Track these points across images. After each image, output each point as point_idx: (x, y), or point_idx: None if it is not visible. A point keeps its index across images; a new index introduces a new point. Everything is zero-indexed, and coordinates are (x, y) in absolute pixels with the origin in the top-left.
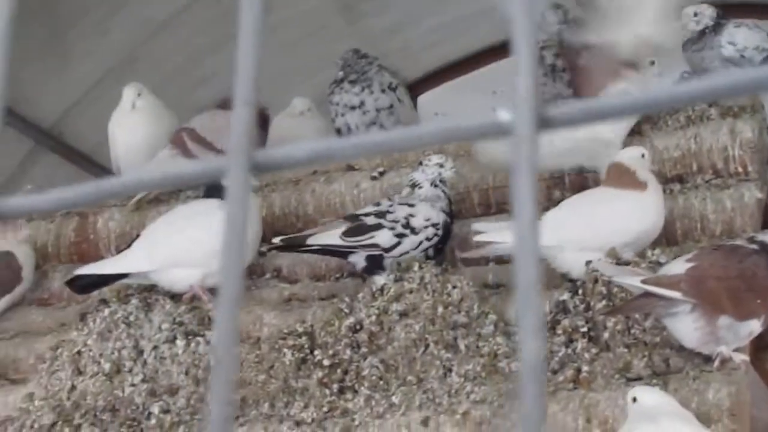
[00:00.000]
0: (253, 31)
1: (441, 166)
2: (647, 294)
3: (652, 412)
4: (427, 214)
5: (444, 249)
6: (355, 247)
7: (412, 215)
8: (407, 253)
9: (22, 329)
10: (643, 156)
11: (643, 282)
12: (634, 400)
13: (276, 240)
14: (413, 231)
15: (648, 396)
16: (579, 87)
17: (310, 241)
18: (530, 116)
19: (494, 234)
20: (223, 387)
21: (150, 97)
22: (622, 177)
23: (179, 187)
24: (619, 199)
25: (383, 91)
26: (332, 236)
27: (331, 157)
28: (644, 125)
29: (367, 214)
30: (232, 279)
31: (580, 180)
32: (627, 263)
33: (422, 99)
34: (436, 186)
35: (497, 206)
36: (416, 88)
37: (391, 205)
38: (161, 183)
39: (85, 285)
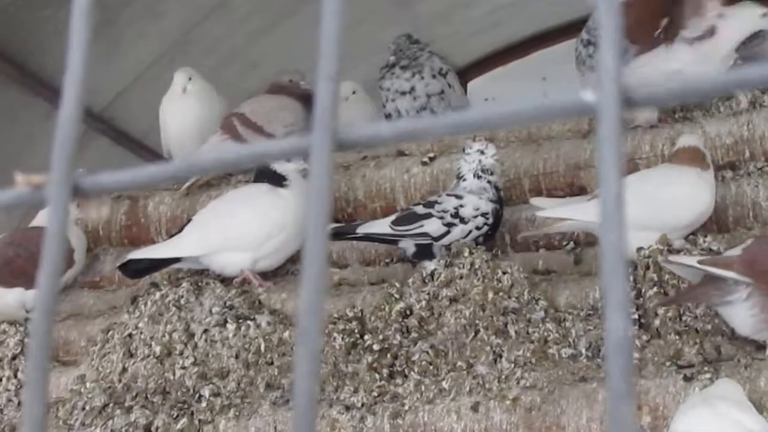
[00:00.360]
0: (336, 8)
1: (482, 152)
2: (703, 284)
3: (707, 395)
4: (476, 204)
5: (494, 235)
6: (404, 236)
7: (461, 206)
8: (457, 241)
9: (73, 312)
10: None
11: (700, 262)
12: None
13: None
14: (462, 220)
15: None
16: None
17: (360, 230)
18: (615, 96)
19: (558, 210)
20: (309, 360)
21: (200, 81)
22: (692, 158)
23: (264, 164)
24: (679, 175)
25: (434, 76)
26: (382, 225)
27: (416, 135)
28: (696, 112)
29: (416, 204)
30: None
31: (632, 166)
32: (679, 251)
33: (472, 85)
34: (479, 177)
35: (547, 192)
36: (466, 73)
37: (439, 196)
38: (249, 160)
39: (136, 269)
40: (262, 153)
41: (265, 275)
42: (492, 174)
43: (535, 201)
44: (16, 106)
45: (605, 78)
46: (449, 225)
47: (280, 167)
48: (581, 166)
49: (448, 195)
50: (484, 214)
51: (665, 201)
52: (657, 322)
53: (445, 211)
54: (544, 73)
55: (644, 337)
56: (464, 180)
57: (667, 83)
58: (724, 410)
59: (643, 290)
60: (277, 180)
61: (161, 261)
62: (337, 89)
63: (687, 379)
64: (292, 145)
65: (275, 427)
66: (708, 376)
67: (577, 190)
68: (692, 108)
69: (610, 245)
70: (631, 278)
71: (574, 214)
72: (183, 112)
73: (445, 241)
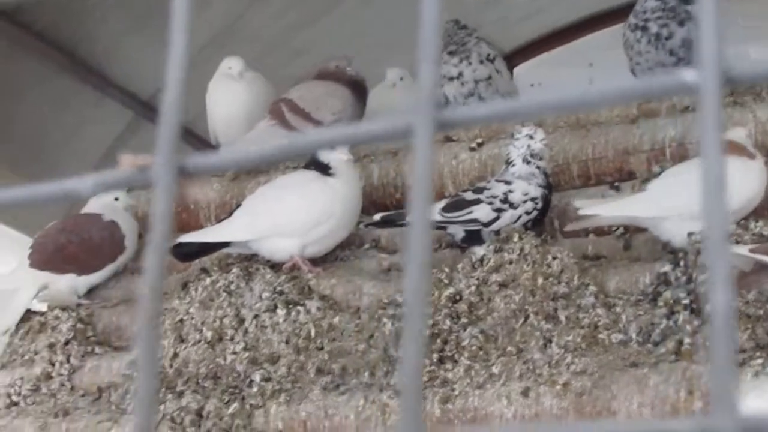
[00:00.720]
0: None
1: (530, 137)
2: (755, 270)
3: None
4: (525, 190)
5: (543, 221)
6: (453, 222)
7: (510, 191)
8: (506, 226)
9: (124, 297)
10: (747, 133)
11: (751, 251)
12: None
13: (375, 217)
14: (512, 206)
15: None
16: None
17: (409, 218)
18: (716, 74)
19: (597, 208)
20: (415, 340)
21: (247, 68)
22: (732, 149)
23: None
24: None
25: (482, 62)
26: (432, 211)
27: (513, 116)
28: (746, 96)
29: (465, 190)
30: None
31: (682, 151)
32: (730, 234)
33: (518, 70)
34: (528, 162)
35: (596, 178)
36: (512, 59)
37: (488, 182)
38: (349, 140)
39: (187, 253)
40: (366, 134)
41: (314, 261)
42: (541, 159)
43: (578, 203)
44: (66, 94)
45: (706, 56)
46: (499, 210)
47: (325, 156)
48: (630, 152)
49: (497, 181)
50: (533, 199)
51: None
52: (708, 307)
53: (494, 197)
54: (591, 58)
55: (695, 322)
56: (513, 165)
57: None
58: None
59: (694, 275)
60: (324, 168)
61: (211, 245)
62: (438, 72)
63: (739, 364)
64: (395, 126)
65: (326, 412)
66: (760, 361)
67: (626, 175)
68: (744, 93)
69: (713, 223)
70: (682, 263)
71: (620, 211)
72: (232, 98)
73: (495, 226)
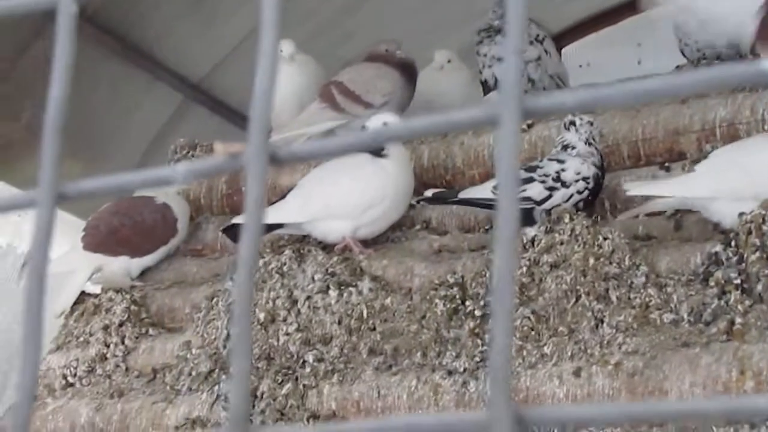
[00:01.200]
0: None
1: (591, 124)
2: None
3: None
4: (578, 168)
5: (594, 202)
6: None
7: (563, 170)
8: (558, 205)
9: (177, 279)
10: None
11: None
12: None
13: (427, 193)
14: (564, 184)
15: None
16: None
17: (461, 195)
18: None
19: (645, 188)
20: (504, 318)
21: (298, 51)
22: None
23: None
24: None
25: (531, 42)
26: (483, 190)
27: (598, 103)
28: None
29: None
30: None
31: (732, 131)
32: None
33: (566, 51)
34: (590, 144)
35: (646, 158)
36: (560, 39)
37: (541, 161)
38: (437, 129)
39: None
40: (450, 122)
41: (365, 243)
42: (597, 142)
43: (627, 184)
44: (117, 78)
45: None
46: (551, 189)
47: None
48: (680, 132)
49: (549, 159)
50: (585, 179)
51: (760, 170)
52: (760, 287)
53: (546, 175)
54: (639, 39)
55: (747, 302)
56: (573, 148)
57: None
58: None
59: (745, 255)
60: (377, 150)
61: (264, 226)
62: (522, 61)
63: None
64: (481, 114)
65: (378, 392)
66: None
67: (676, 156)
68: None
69: None
70: (733, 243)
71: (669, 191)
72: (283, 81)
73: (547, 205)
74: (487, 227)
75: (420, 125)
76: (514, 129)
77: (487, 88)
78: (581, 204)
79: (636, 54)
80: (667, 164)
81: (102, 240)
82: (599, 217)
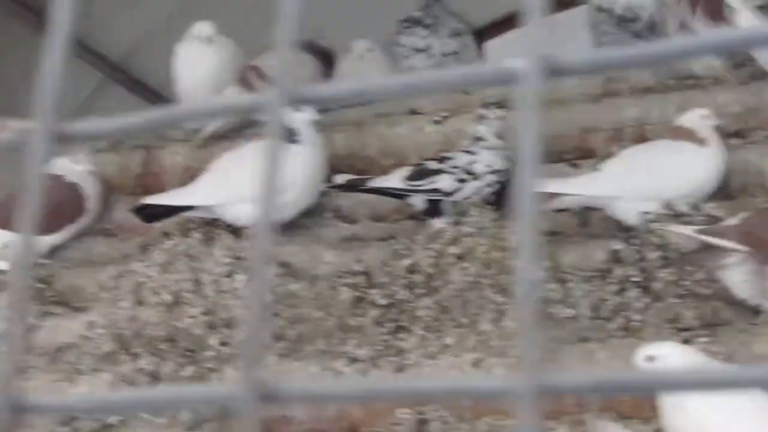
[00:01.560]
0: None
1: (503, 118)
2: (702, 250)
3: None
4: (489, 161)
5: (505, 196)
6: (416, 191)
7: (474, 162)
8: (468, 198)
9: (85, 258)
10: (703, 116)
11: (698, 232)
12: (651, 359)
13: (339, 179)
14: (475, 177)
15: (673, 352)
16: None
17: (372, 183)
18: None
19: (551, 185)
20: (529, 289)
21: (218, 33)
22: (682, 134)
23: None
24: (679, 150)
25: (451, 36)
26: (395, 179)
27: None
28: (706, 80)
29: (429, 159)
30: (527, 196)
31: (641, 131)
32: (682, 215)
33: (489, 45)
34: (501, 138)
35: (557, 155)
36: (483, 34)
37: (453, 152)
38: (453, 83)
39: (151, 215)
40: (471, 77)
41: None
42: (506, 138)
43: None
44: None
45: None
46: (461, 181)
47: (290, 122)
48: (591, 130)
49: (461, 151)
50: (496, 172)
51: (663, 174)
52: (658, 285)
53: (457, 167)
54: (563, 35)
55: (645, 300)
56: (484, 140)
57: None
58: None
59: (645, 253)
60: (290, 135)
61: (175, 208)
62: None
63: (685, 342)
64: (503, 69)
65: (280, 378)
66: (705, 339)
67: (586, 154)
68: (703, 76)
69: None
70: (634, 241)
71: (573, 189)
72: (200, 62)
73: (458, 196)
74: (397, 217)
75: (435, 78)
76: (537, 87)
77: None
78: (492, 197)
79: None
80: (575, 162)
81: (8, 217)
82: (506, 212)
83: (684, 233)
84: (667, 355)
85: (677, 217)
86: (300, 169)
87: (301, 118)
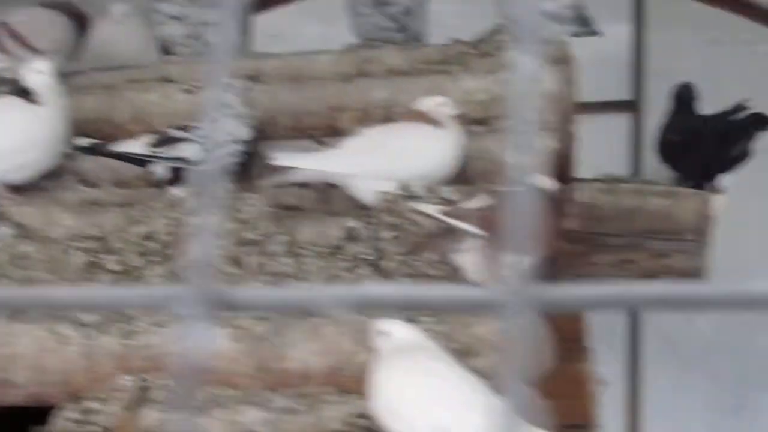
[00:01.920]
0: None
1: (250, 89)
2: (439, 232)
3: (405, 346)
4: (233, 131)
5: (247, 167)
6: (159, 158)
7: (218, 131)
8: (211, 167)
9: None
10: (439, 104)
11: (443, 214)
12: (384, 333)
13: (82, 142)
14: (219, 146)
15: (400, 330)
16: None
17: (115, 148)
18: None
19: (290, 160)
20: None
21: None
22: (419, 117)
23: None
24: (414, 132)
25: (209, 5)
26: (138, 145)
27: None
28: (455, 66)
29: (175, 128)
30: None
31: (388, 113)
32: (416, 196)
33: (260, 20)
34: (248, 108)
35: (307, 132)
36: (255, 7)
37: (199, 122)
38: None
39: None
40: None
41: (14, 189)
42: (251, 108)
43: (275, 154)
44: None
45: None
46: (206, 150)
47: (30, 82)
48: (340, 109)
49: (207, 121)
50: (239, 142)
51: (398, 154)
52: (390, 264)
53: (203, 136)
54: (333, 15)
55: (376, 279)
56: (230, 108)
57: None
58: (425, 362)
59: (380, 233)
60: (28, 95)
61: None
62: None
63: (410, 320)
64: None
65: (6, 340)
66: (430, 319)
67: (335, 132)
68: (452, 62)
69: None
70: (369, 220)
71: (312, 164)
72: None
73: (199, 166)
74: (139, 184)
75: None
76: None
77: (163, 46)
78: (235, 168)
79: (329, 31)
80: (322, 139)
81: None
82: (247, 184)
83: (427, 212)
84: (396, 332)
85: (412, 198)
86: (39, 131)
87: (42, 79)
